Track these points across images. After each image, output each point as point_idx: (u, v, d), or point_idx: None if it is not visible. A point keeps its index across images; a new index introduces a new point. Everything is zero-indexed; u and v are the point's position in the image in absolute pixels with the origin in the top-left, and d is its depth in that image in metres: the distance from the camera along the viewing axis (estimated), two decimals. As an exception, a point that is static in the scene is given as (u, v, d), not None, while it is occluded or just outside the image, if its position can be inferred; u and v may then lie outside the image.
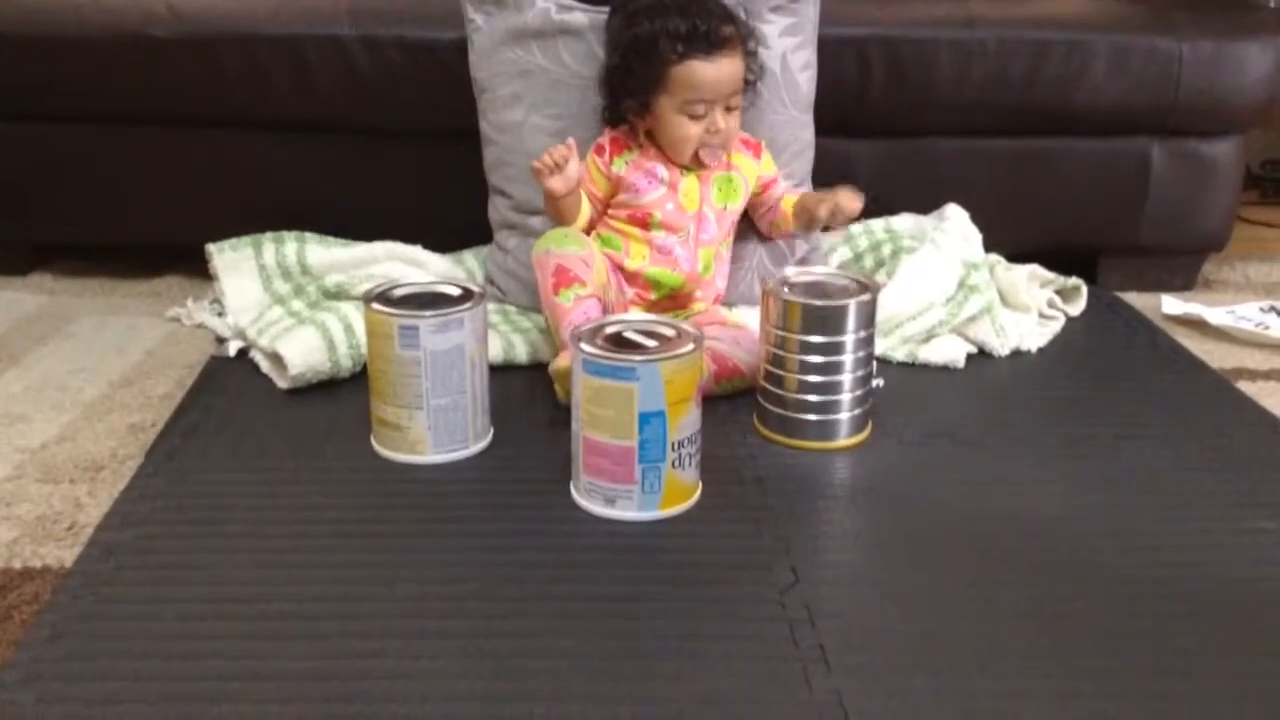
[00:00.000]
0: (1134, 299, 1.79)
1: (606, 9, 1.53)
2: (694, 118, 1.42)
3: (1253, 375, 1.55)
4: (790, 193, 1.56)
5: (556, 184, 1.40)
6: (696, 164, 1.46)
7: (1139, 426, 1.33)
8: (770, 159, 1.55)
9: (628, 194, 1.47)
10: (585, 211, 1.47)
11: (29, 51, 1.70)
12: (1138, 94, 1.72)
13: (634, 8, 1.46)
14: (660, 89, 1.42)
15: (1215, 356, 1.58)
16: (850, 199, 1.43)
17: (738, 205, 1.52)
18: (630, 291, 1.47)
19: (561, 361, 1.27)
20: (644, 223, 1.47)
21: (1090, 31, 1.71)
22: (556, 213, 1.45)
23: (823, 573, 1.03)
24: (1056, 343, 1.57)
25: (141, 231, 1.83)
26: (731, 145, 1.47)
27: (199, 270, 1.63)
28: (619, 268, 1.47)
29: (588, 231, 1.48)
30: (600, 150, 1.48)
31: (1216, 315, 1.71)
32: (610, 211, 1.50)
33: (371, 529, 1.10)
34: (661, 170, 1.47)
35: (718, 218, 1.49)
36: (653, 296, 1.48)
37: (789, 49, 1.57)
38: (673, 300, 1.48)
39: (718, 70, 1.40)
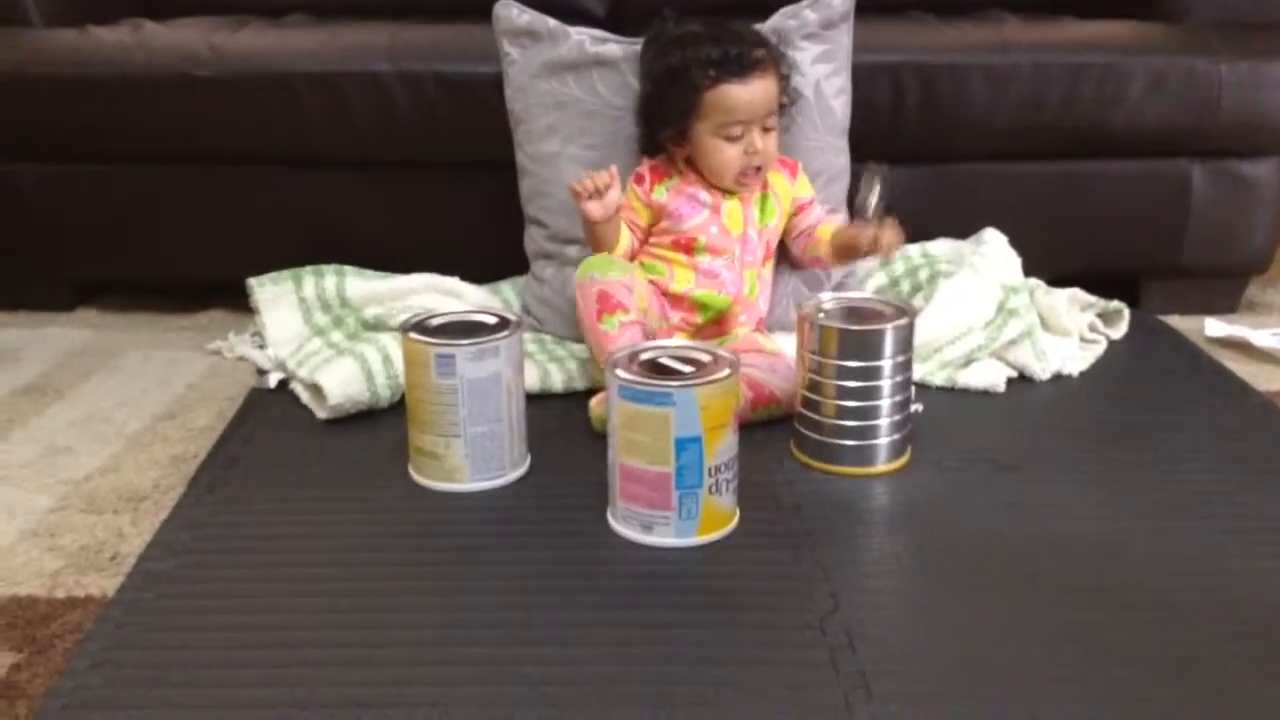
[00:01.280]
0: (1177, 322, 1.77)
1: (640, 40, 1.54)
2: (731, 140, 1.42)
3: (1300, 398, 1.52)
4: (826, 220, 1.55)
5: (594, 209, 1.40)
6: (739, 186, 1.46)
7: (1183, 450, 1.31)
8: (806, 180, 1.55)
9: (671, 220, 1.47)
10: (625, 241, 1.48)
11: (75, 93, 1.73)
12: (1176, 116, 1.71)
13: (666, 38, 1.48)
14: (695, 115, 1.43)
15: (1260, 379, 1.56)
16: (892, 233, 1.41)
17: (775, 225, 1.52)
18: (676, 316, 1.47)
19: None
20: (689, 248, 1.47)
21: (1126, 54, 1.70)
22: (594, 240, 1.46)
23: (863, 598, 1.02)
24: (1098, 366, 1.56)
25: (185, 267, 1.85)
26: (770, 166, 1.48)
27: (241, 304, 1.66)
28: (664, 292, 1.47)
29: (629, 260, 1.49)
30: (640, 179, 1.49)
31: (1261, 338, 1.68)
32: (654, 239, 1.50)
33: (410, 557, 1.10)
34: (704, 194, 1.47)
35: (761, 239, 1.50)
36: (699, 320, 1.47)
37: (823, 75, 1.58)
38: (718, 324, 1.48)
39: (751, 91, 1.41)
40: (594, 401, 1.34)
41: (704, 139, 1.44)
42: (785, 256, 1.59)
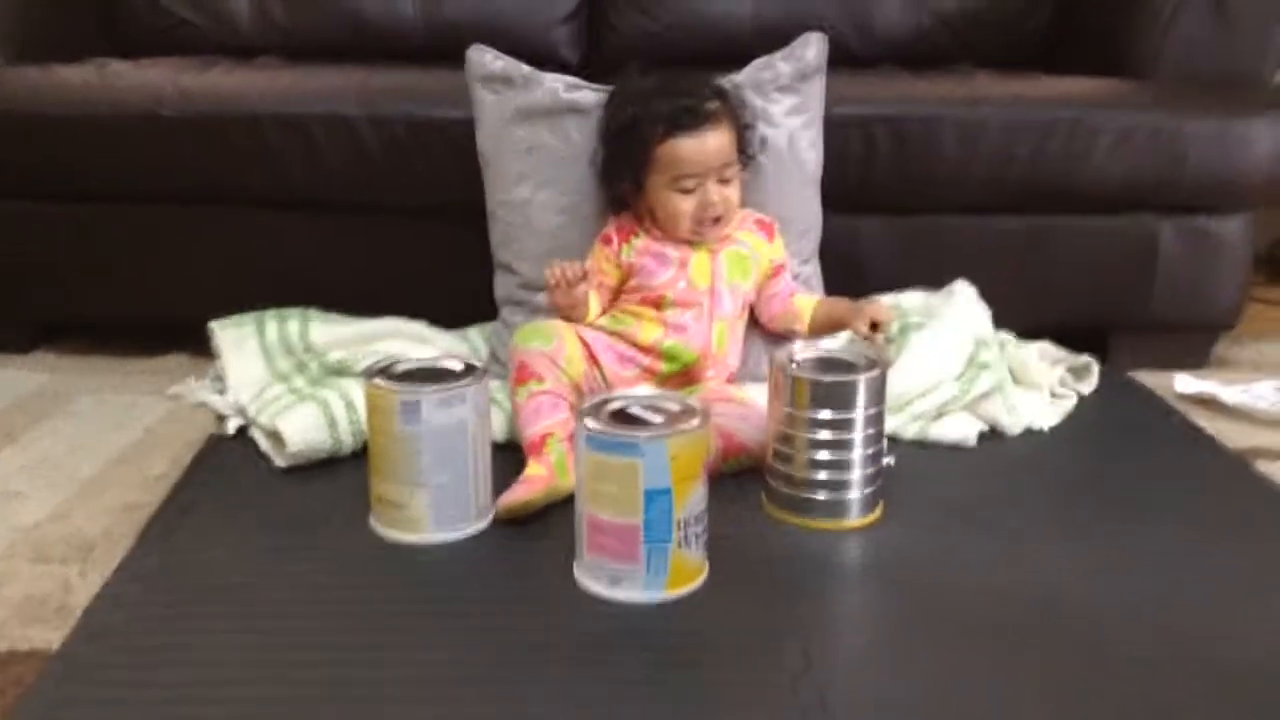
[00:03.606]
0: (1146, 378, 1.77)
1: (611, 88, 1.54)
2: (685, 192, 1.42)
3: (1270, 455, 1.52)
4: (804, 294, 1.55)
5: (560, 298, 1.43)
6: (695, 236, 1.45)
7: (1154, 506, 1.30)
8: (781, 243, 1.54)
9: (639, 278, 1.46)
10: (593, 308, 1.47)
11: (38, 132, 1.71)
12: (1144, 172, 1.72)
13: (621, 94, 1.48)
14: (649, 169, 1.43)
15: (1231, 436, 1.55)
16: (883, 312, 1.45)
17: (748, 284, 1.51)
18: (633, 371, 1.45)
19: (511, 496, 1.23)
20: (657, 303, 1.46)
21: (1095, 110, 1.71)
22: (559, 311, 1.46)
23: (835, 656, 1.00)
24: (1069, 422, 1.55)
25: (146, 309, 1.82)
26: (731, 216, 1.47)
27: (203, 348, 1.62)
28: (631, 342, 1.45)
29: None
30: (608, 240, 1.48)
31: (1231, 394, 1.68)
32: (623, 296, 1.49)
33: (369, 609, 1.07)
34: (670, 251, 1.46)
35: (731, 294, 1.48)
36: (664, 369, 1.45)
37: (796, 127, 1.58)
38: (684, 376, 1.46)
39: (702, 145, 1.40)
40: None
41: (658, 192, 1.44)
42: (755, 317, 1.57)
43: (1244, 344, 1.99)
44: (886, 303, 1.68)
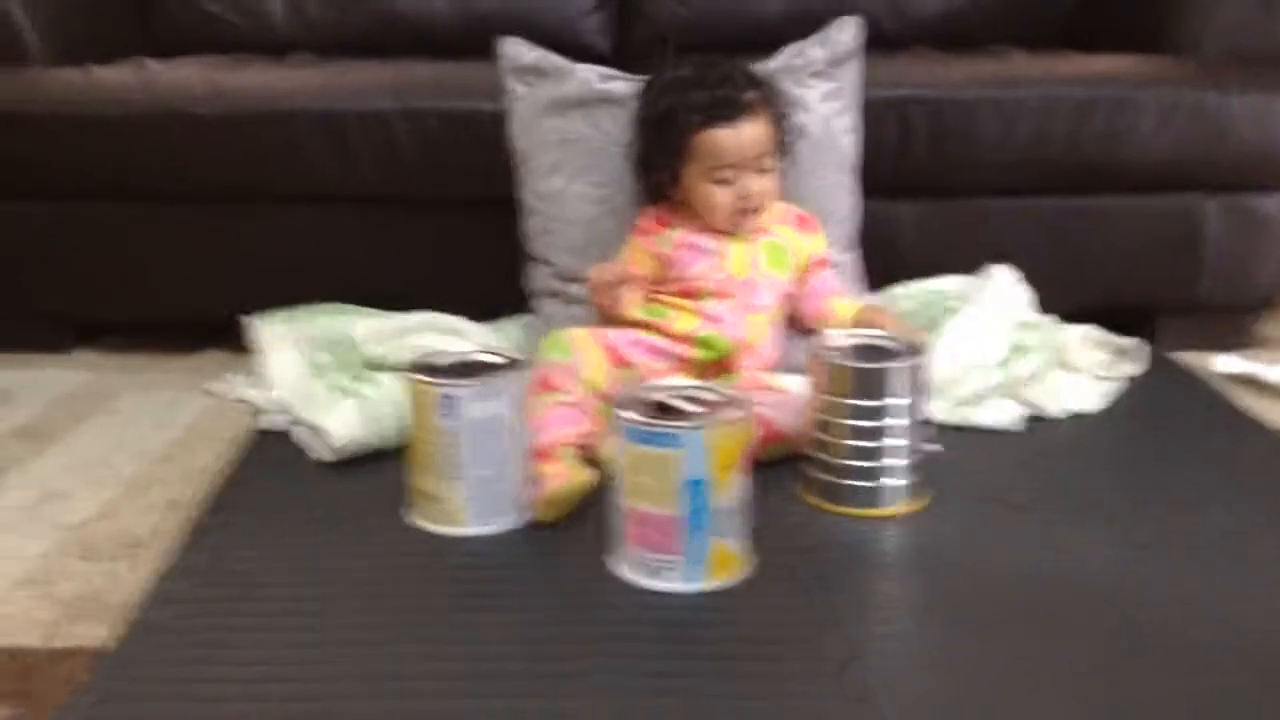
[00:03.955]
0: (1191, 358, 1.74)
1: (647, 77, 1.53)
2: (722, 183, 1.41)
3: (1318, 435, 1.49)
4: (841, 293, 1.53)
5: (604, 300, 1.43)
6: (733, 227, 1.45)
7: (1198, 489, 1.29)
8: (822, 237, 1.53)
9: (676, 269, 1.46)
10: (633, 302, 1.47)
11: (76, 132, 1.72)
12: (1187, 150, 1.69)
13: (657, 83, 1.47)
14: (684, 159, 1.42)
15: (1274, 416, 1.53)
16: (917, 331, 1.43)
17: (785, 276, 1.49)
18: (665, 363, 1.44)
19: (545, 491, 1.21)
20: (694, 294, 1.45)
21: (1135, 88, 1.69)
22: (601, 311, 1.47)
23: (879, 645, 0.99)
24: (1113, 405, 1.53)
25: (184, 307, 1.83)
26: (769, 207, 1.46)
27: (240, 344, 1.63)
28: (666, 332, 1.44)
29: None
30: (644, 232, 1.48)
31: (1275, 373, 1.66)
32: (660, 287, 1.48)
33: (410, 603, 1.08)
34: (707, 241, 1.46)
35: (768, 285, 1.47)
36: (697, 355, 1.44)
37: (831, 114, 1.57)
38: (719, 365, 1.46)
39: (739, 136, 1.39)
40: (604, 444, 1.32)
41: (695, 183, 1.43)
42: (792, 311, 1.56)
43: (1288, 322, 1.96)
44: (923, 290, 1.67)
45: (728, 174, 1.41)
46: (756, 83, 1.45)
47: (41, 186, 1.78)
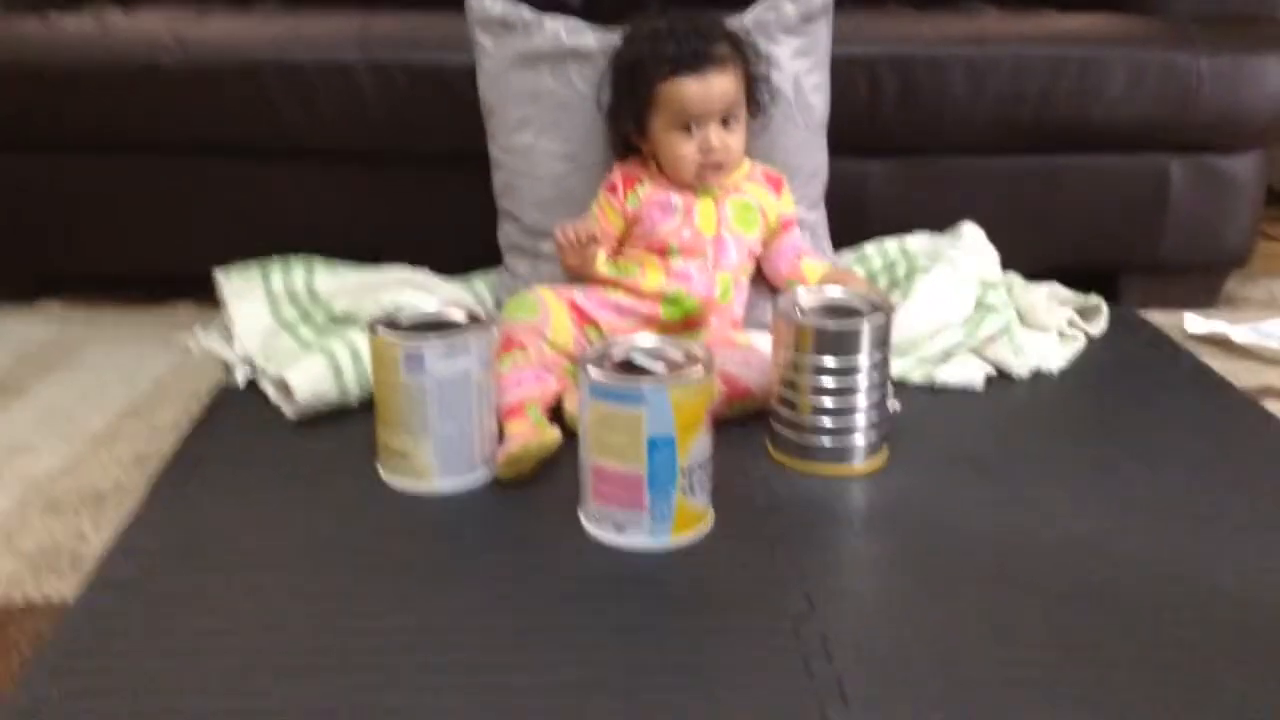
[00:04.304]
0: (1156, 317, 1.76)
1: (617, 31, 1.52)
2: (685, 132, 1.41)
3: (1279, 394, 1.51)
4: (811, 257, 1.54)
5: (571, 260, 1.44)
6: (699, 182, 1.44)
7: (1163, 448, 1.30)
8: (790, 197, 1.53)
9: (644, 226, 1.46)
10: (600, 259, 1.47)
11: (35, 82, 1.69)
12: (1155, 110, 1.70)
13: (631, 35, 1.47)
14: (651, 109, 1.42)
15: (1241, 375, 1.55)
16: (883, 293, 1.44)
17: (755, 236, 1.50)
18: (631, 321, 1.44)
19: (507, 449, 1.21)
20: (661, 251, 1.45)
21: (1106, 47, 1.69)
22: (569, 271, 1.47)
23: (838, 602, 1.01)
24: (1077, 363, 1.54)
25: (151, 260, 1.82)
26: (734, 163, 1.45)
27: (208, 297, 1.62)
28: (634, 290, 1.45)
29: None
30: (613, 189, 1.48)
31: (1241, 333, 1.67)
32: (627, 243, 1.48)
33: (377, 559, 1.08)
34: (675, 198, 1.45)
35: (736, 243, 1.47)
36: (664, 313, 1.45)
37: (801, 71, 1.56)
38: (685, 323, 1.46)
39: (705, 87, 1.39)
40: (566, 400, 1.32)
41: (660, 134, 1.43)
42: (761, 271, 1.56)
43: (1255, 281, 1.98)
44: (892, 247, 1.68)
45: (691, 125, 1.41)
46: (731, 38, 1.45)
47: (3, 137, 1.75)
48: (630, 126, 1.46)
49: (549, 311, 1.39)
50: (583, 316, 1.42)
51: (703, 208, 1.46)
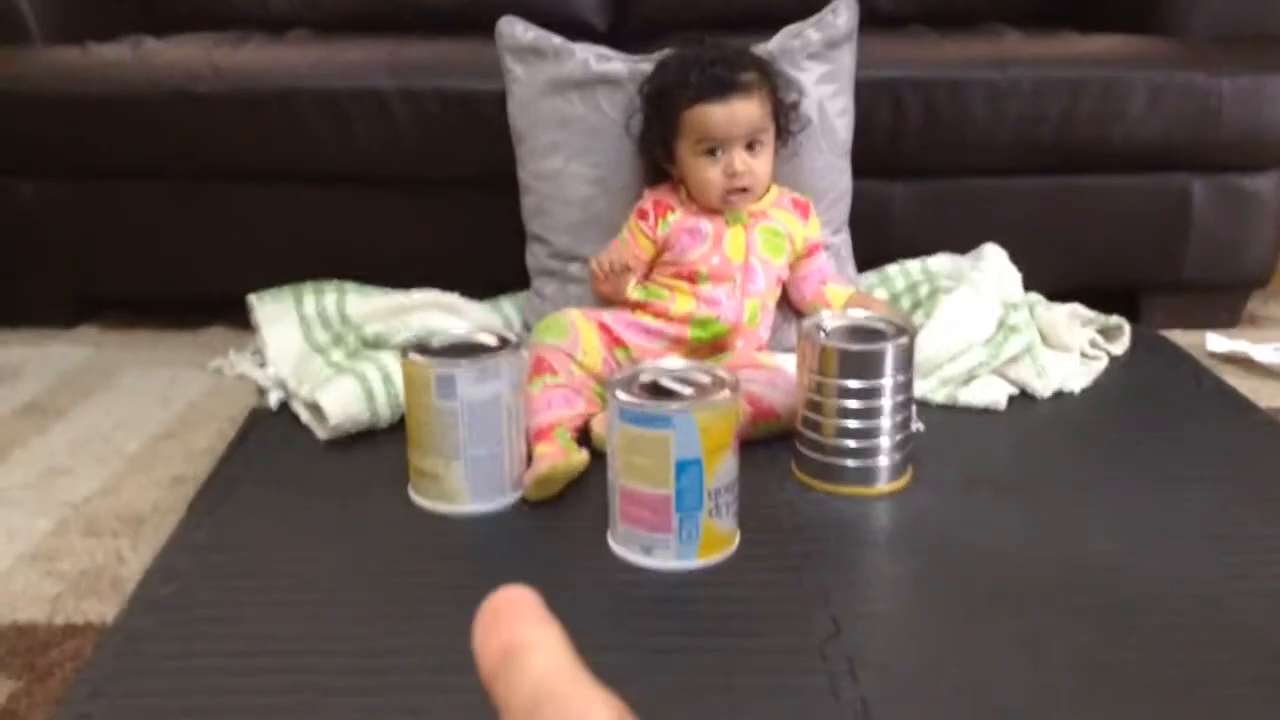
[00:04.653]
0: (1178, 337, 1.77)
1: (645, 58, 1.55)
2: (711, 157, 1.44)
3: (1303, 414, 1.52)
4: (835, 282, 1.56)
5: (607, 290, 1.48)
6: (726, 205, 1.47)
7: (1187, 469, 1.31)
8: (817, 222, 1.55)
9: (673, 252, 1.48)
10: (630, 285, 1.51)
11: (76, 109, 1.74)
12: (1177, 130, 1.71)
13: (663, 63, 1.50)
14: (678, 134, 1.45)
15: (1263, 395, 1.55)
16: (906, 317, 1.47)
17: (782, 262, 1.52)
18: (660, 343, 1.46)
19: (535, 471, 1.23)
20: (691, 277, 1.48)
21: (1126, 69, 1.70)
22: (600, 298, 1.51)
23: (864, 623, 1.02)
24: (1100, 383, 1.55)
25: (186, 284, 1.85)
26: (759, 187, 1.48)
27: (242, 321, 1.65)
28: (663, 314, 1.47)
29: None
30: (644, 215, 1.50)
31: (1263, 353, 1.68)
32: (656, 269, 1.51)
33: (410, 580, 1.10)
34: (705, 225, 1.48)
35: (764, 269, 1.49)
36: (692, 336, 1.47)
37: (826, 96, 1.58)
38: (713, 345, 1.48)
39: (729, 111, 1.42)
40: (594, 422, 1.34)
41: (686, 158, 1.46)
42: (786, 295, 1.57)
43: (1278, 301, 1.98)
44: (915, 268, 1.69)
45: (716, 150, 1.43)
46: (760, 65, 1.47)
47: (44, 164, 1.80)
48: (659, 152, 1.49)
49: (579, 334, 1.41)
50: (612, 338, 1.44)
51: (732, 234, 1.48)
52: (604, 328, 1.44)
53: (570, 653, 0.29)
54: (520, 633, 0.29)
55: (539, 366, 1.37)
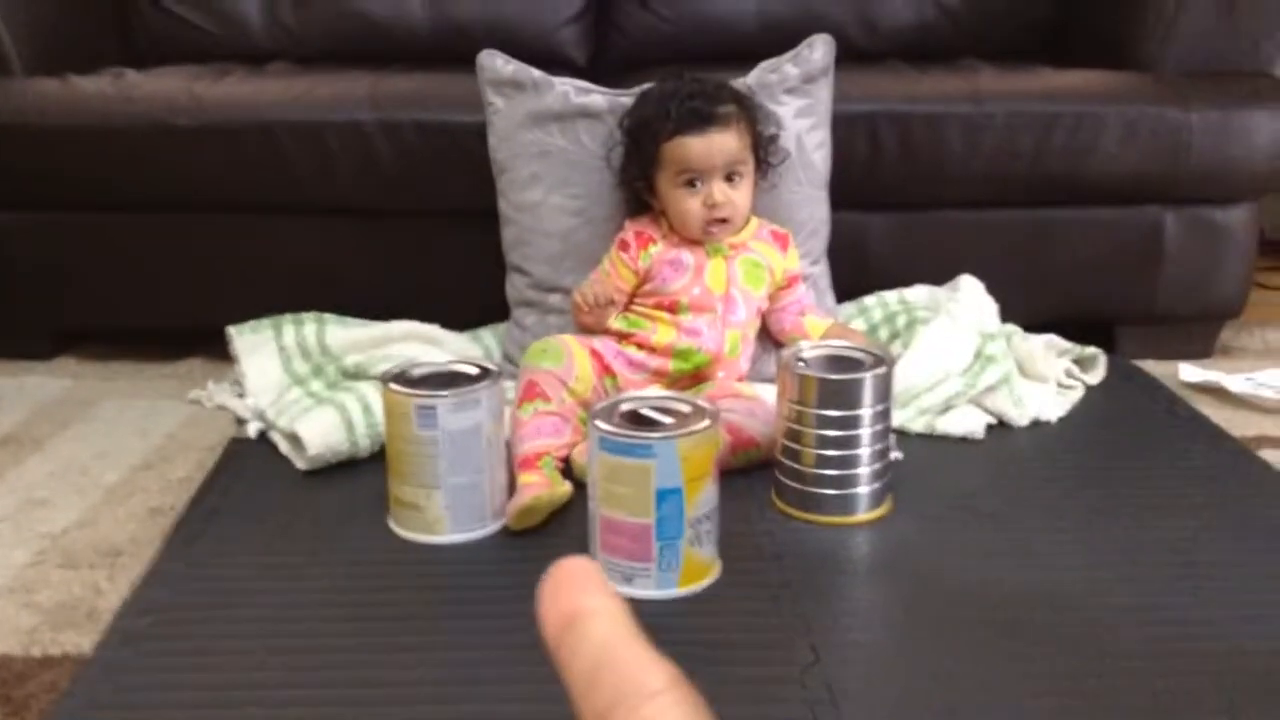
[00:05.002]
0: (1152, 367, 1.79)
1: (624, 91, 1.56)
2: (690, 188, 1.45)
3: (1275, 443, 1.53)
4: (815, 313, 1.57)
5: (589, 321, 1.48)
6: (706, 236, 1.48)
7: (1161, 497, 1.32)
8: (796, 254, 1.56)
9: (655, 283, 1.49)
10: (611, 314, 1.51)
11: (56, 142, 1.74)
12: (1148, 163, 1.73)
13: (643, 96, 1.51)
14: (658, 166, 1.46)
15: (1236, 424, 1.57)
16: (884, 347, 1.48)
17: (763, 293, 1.53)
18: (643, 375, 1.47)
19: (519, 500, 1.23)
20: (672, 308, 1.48)
21: (1098, 103, 1.73)
22: (583, 329, 1.51)
23: (844, 651, 1.02)
24: (1076, 412, 1.57)
25: (165, 316, 1.85)
26: (739, 219, 1.49)
27: (221, 353, 1.65)
28: (645, 344, 1.47)
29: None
30: (625, 246, 1.51)
31: (1236, 382, 1.70)
32: (638, 299, 1.51)
33: (390, 611, 1.10)
34: (686, 256, 1.49)
35: (745, 300, 1.50)
36: (673, 368, 1.48)
37: (804, 129, 1.60)
38: (694, 376, 1.49)
39: (708, 144, 1.43)
40: (575, 451, 1.35)
41: (667, 190, 1.48)
42: (764, 326, 1.58)
43: (1250, 331, 2.00)
44: (892, 299, 1.71)
45: (696, 181, 1.45)
46: (740, 99, 1.49)
47: (23, 195, 1.79)
48: (640, 184, 1.50)
49: (573, 360, 1.42)
50: (603, 366, 1.45)
51: (713, 266, 1.49)
52: (596, 354, 1.45)
53: (631, 621, 0.31)
54: (582, 601, 0.31)
55: (530, 391, 1.37)
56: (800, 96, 1.59)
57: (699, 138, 1.44)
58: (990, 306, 1.66)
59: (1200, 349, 1.88)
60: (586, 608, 0.31)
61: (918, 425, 1.49)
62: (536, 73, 1.58)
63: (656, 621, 1.06)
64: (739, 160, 1.46)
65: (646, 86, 1.55)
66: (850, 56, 1.77)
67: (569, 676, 0.30)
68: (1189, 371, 1.75)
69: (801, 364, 1.28)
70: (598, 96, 1.58)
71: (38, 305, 1.85)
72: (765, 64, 1.60)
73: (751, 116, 1.49)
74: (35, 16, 1.89)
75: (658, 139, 1.46)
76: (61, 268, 1.82)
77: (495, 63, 1.59)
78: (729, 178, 1.46)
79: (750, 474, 1.35)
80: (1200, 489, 1.35)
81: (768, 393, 1.41)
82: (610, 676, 0.29)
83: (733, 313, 1.50)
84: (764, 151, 1.51)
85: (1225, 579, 1.14)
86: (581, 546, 1.17)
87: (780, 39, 1.67)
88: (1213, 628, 1.05)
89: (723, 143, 1.45)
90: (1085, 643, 1.03)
